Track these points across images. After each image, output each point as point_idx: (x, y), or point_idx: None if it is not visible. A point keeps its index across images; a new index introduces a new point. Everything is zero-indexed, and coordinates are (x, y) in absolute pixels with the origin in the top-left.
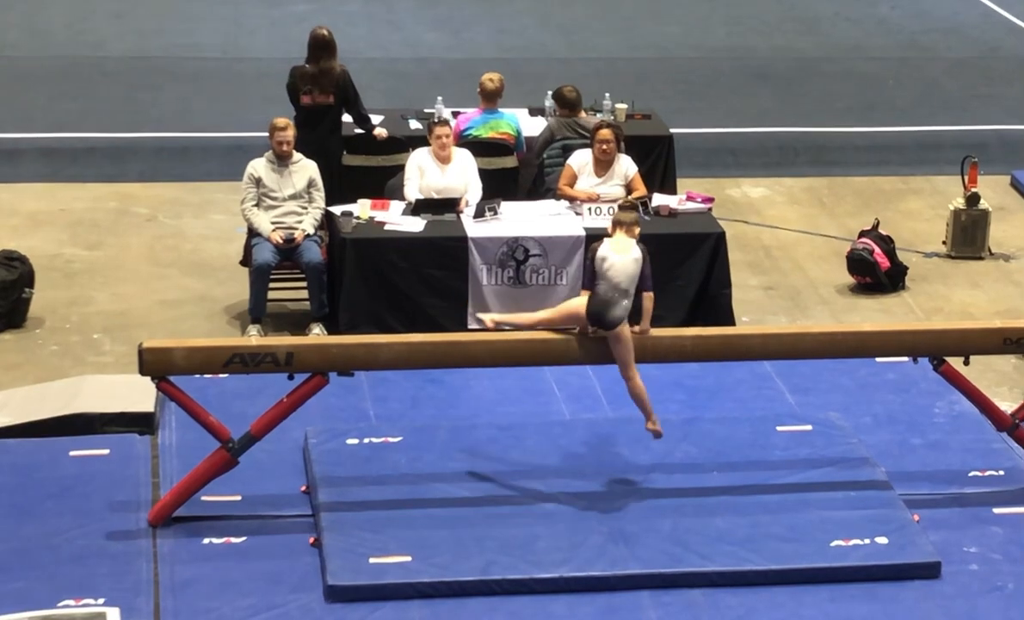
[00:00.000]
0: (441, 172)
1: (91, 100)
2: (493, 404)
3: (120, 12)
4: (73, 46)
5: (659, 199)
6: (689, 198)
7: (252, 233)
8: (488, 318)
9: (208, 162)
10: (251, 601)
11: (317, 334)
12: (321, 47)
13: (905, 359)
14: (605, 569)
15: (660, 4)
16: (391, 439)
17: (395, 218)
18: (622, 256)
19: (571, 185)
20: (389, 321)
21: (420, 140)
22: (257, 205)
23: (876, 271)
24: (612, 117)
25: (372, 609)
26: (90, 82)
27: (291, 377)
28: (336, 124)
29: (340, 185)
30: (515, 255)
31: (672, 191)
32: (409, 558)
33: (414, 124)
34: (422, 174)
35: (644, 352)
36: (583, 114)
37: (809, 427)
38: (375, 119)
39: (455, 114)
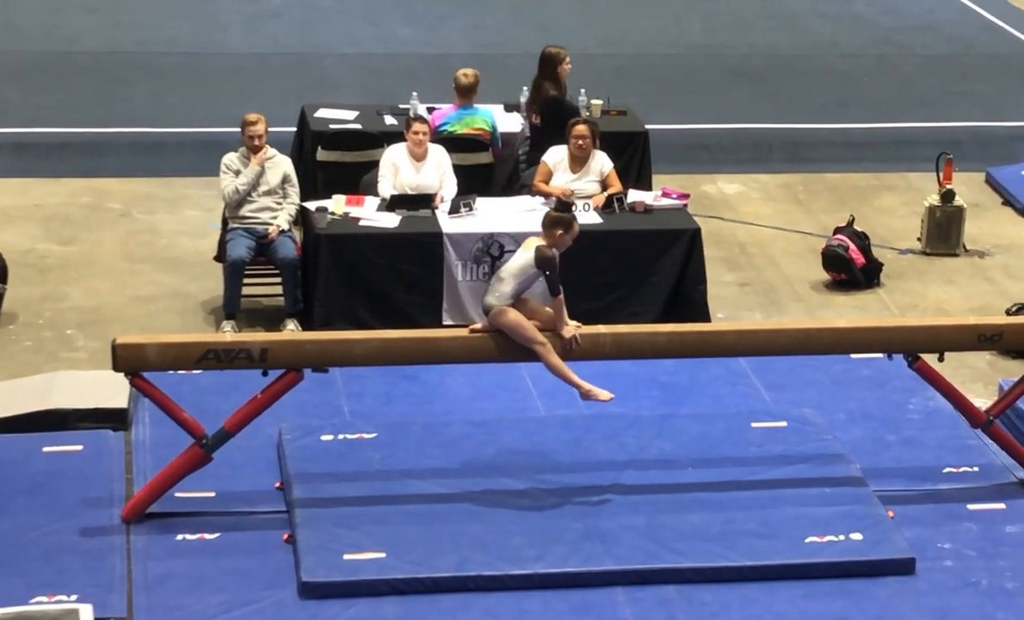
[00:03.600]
0: (416, 168)
1: (65, 95)
2: (468, 400)
3: (94, 7)
4: (47, 41)
5: (634, 195)
6: (664, 194)
7: (226, 229)
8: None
9: (182, 157)
10: (225, 597)
11: (291, 330)
12: None
13: (880, 356)
14: (580, 565)
15: (636, 0)
16: (365, 435)
17: (370, 214)
18: (520, 251)
19: (546, 181)
20: (364, 317)
21: (395, 136)
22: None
23: (851, 267)
24: (588, 113)
25: (346, 606)
26: (64, 77)
27: (265, 373)
28: None
29: (315, 181)
30: (490, 251)
31: (647, 187)
32: (383, 554)
33: (389, 120)
34: (397, 170)
35: (620, 349)
36: None
37: (784, 423)
38: (350, 115)
39: (430, 110)
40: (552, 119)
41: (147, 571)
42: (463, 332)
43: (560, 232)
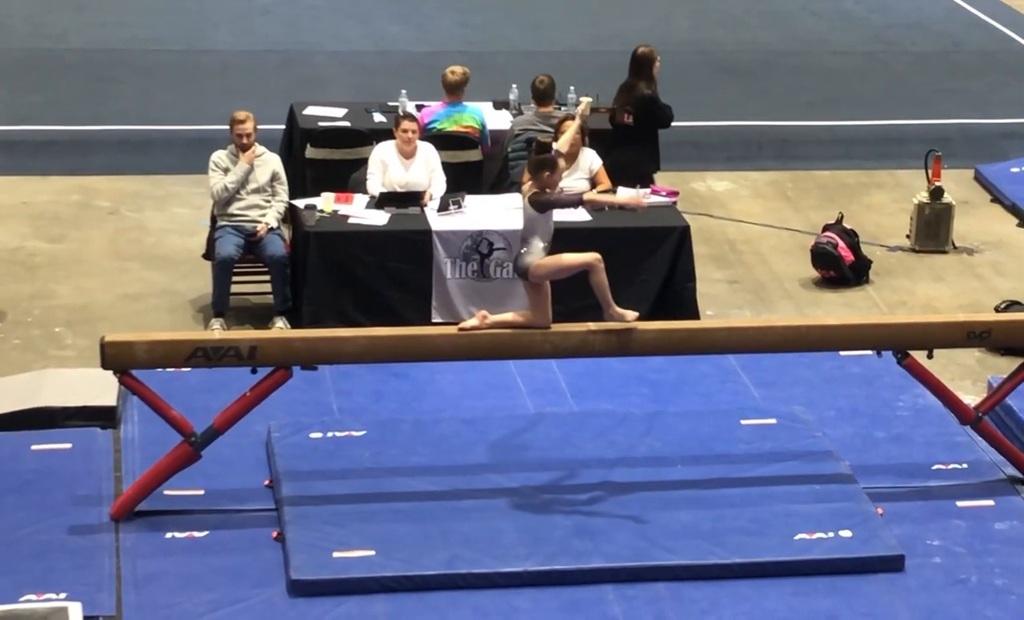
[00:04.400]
0: (405, 166)
1: (53, 93)
2: (457, 398)
3: (81, 4)
4: (34, 38)
5: (624, 192)
6: (654, 192)
7: (215, 226)
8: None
9: (171, 155)
10: (214, 595)
11: (280, 328)
12: None
13: (869, 353)
14: (569, 563)
15: None
16: (355, 433)
17: (359, 212)
18: (522, 211)
19: None
20: (353, 315)
21: (384, 133)
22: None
23: (840, 265)
24: (576, 110)
25: (335, 603)
26: (52, 75)
27: (254, 371)
28: None
29: (304, 178)
30: (479, 249)
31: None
32: (373, 552)
33: (378, 117)
34: (385, 168)
35: (609, 346)
36: (551, 108)
37: (773, 421)
38: (339, 112)
39: (419, 107)
40: (646, 118)
41: (136, 569)
42: (452, 330)
43: (547, 174)
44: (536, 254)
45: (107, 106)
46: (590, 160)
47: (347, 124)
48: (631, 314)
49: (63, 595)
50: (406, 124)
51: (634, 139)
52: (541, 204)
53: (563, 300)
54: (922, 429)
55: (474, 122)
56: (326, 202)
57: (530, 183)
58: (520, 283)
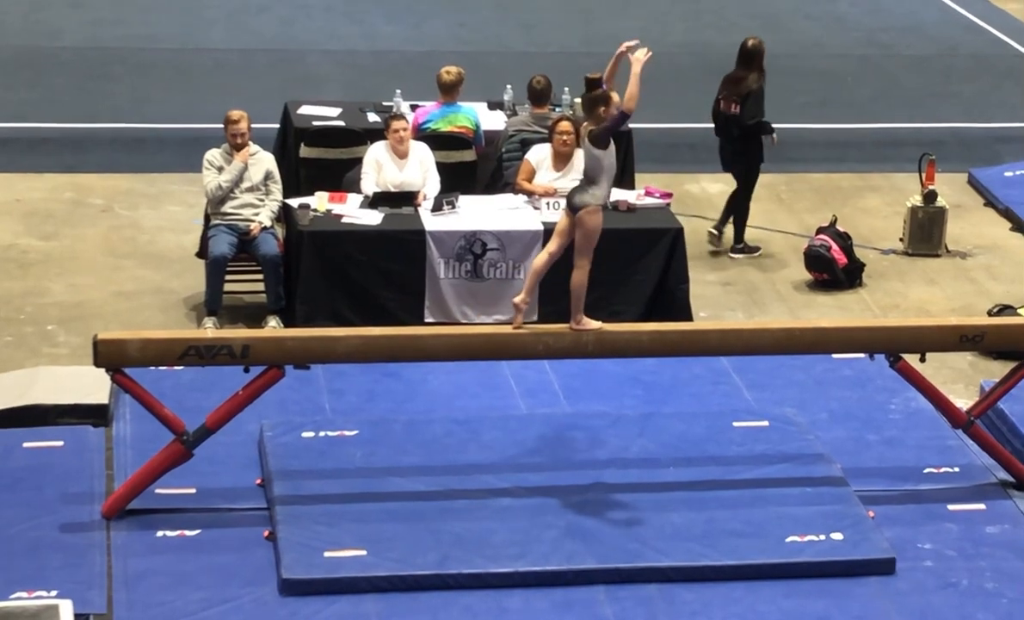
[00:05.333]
0: (399, 166)
1: (47, 90)
2: (450, 398)
3: (76, 2)
4: (29, 36)
5: (617, 194)
6: (647, 193)
7: (208, 225)
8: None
9: (164, 153)
10: (205, 594)
11: (273, 327)
12: None
13: (861, 356)
14: (561, 564)
15: None
16: (347, 433)
17: (353, 211)
18: (580, 151)
19: (529, 179)
20: (346, 314)
21: (378, 133)
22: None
23: (833, 268)
24: (571, 111)
25: (327, 603)
26: (46, 72)
27: (247, 370)
28: None
29: (298, 177)
30: (473, 249)
31: (631, 186)
32: (364, 552)
33: (372, 117)
34: (380, 168)
35: (602, 347)
36: (547, 109)
37: (765, 423)
38: (333, 111)
39: (414, 107)
40: (750, 111)
41: (127, 567)
42: (446, 330)
43: (602, 108)
44: (596, 199)
45: (101, 104)
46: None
47: (341, 123)
48: (594, 324)
49: (54, 593)
50: (396, 124)
51: (740, 131)
52: (599, 137)
53: (556, 301)
54: (914, 432)
55: (468, 122)
56: (320, 201)
57: (586, 124)
58: (511, 284)
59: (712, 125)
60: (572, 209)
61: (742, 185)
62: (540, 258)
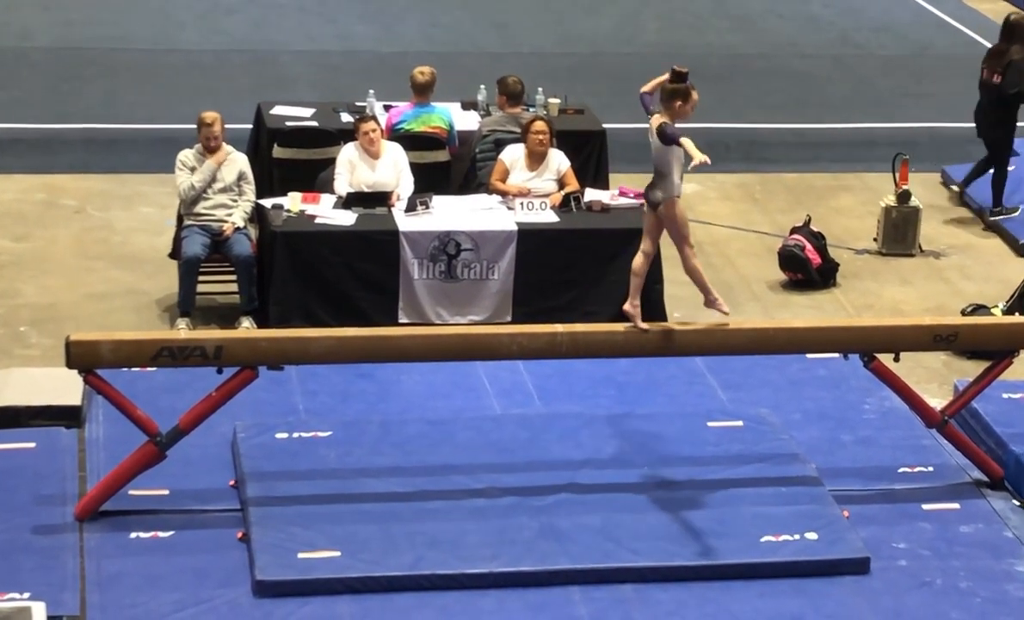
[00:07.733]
0: (372, 167)
1: (18, 91)
2: (424, 399)
3: (47, 3)
4: (0, 36)
5: (591, 194)
6: (622, 193)
7: (181, 226)
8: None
9: (137, 154)
10: (178, 596)
11: (247, 327)
12: None
13: (836, 355)
14: (535, 564)
15: None
16: (320, 434)
17: (326, 212)
18: (652, 141)
19: (503, 180)
20: (319, 315)
21: (351, 133)
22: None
23: (808, 267)
24: (545, 112)
25: (300, 604)
26: (17, 73)
27: (220, 371)
28: None
29: (271, 178)
30: (447, 249)
31: (605, 186)
32: (338, 553)
33: (345, 117)
34: (353, 169)
35: (576, 348)
36: (520, 109)
37: (740, 423)
38: (306, 112)
39: (387, 108)
40: (1012, 82)
41: (100, 569)
42: (420, 330)
43: (679, 103)
44: (669, 192)
45: (73, 104)
46: (558, 161)
47: (314, 124)
48: (726, 307)
49: (27, 595)
50: (365, 126)
51: (999, 99)
52: (665, 134)
53: (530, 301)
54: (888, 432)
55: (442, 123)
56: (293, 202)
57: (658, 115)
58: (485, 285)
59: (697, 126)
60: (652, 206)
61: (995, 152)
62: (637, 259)
